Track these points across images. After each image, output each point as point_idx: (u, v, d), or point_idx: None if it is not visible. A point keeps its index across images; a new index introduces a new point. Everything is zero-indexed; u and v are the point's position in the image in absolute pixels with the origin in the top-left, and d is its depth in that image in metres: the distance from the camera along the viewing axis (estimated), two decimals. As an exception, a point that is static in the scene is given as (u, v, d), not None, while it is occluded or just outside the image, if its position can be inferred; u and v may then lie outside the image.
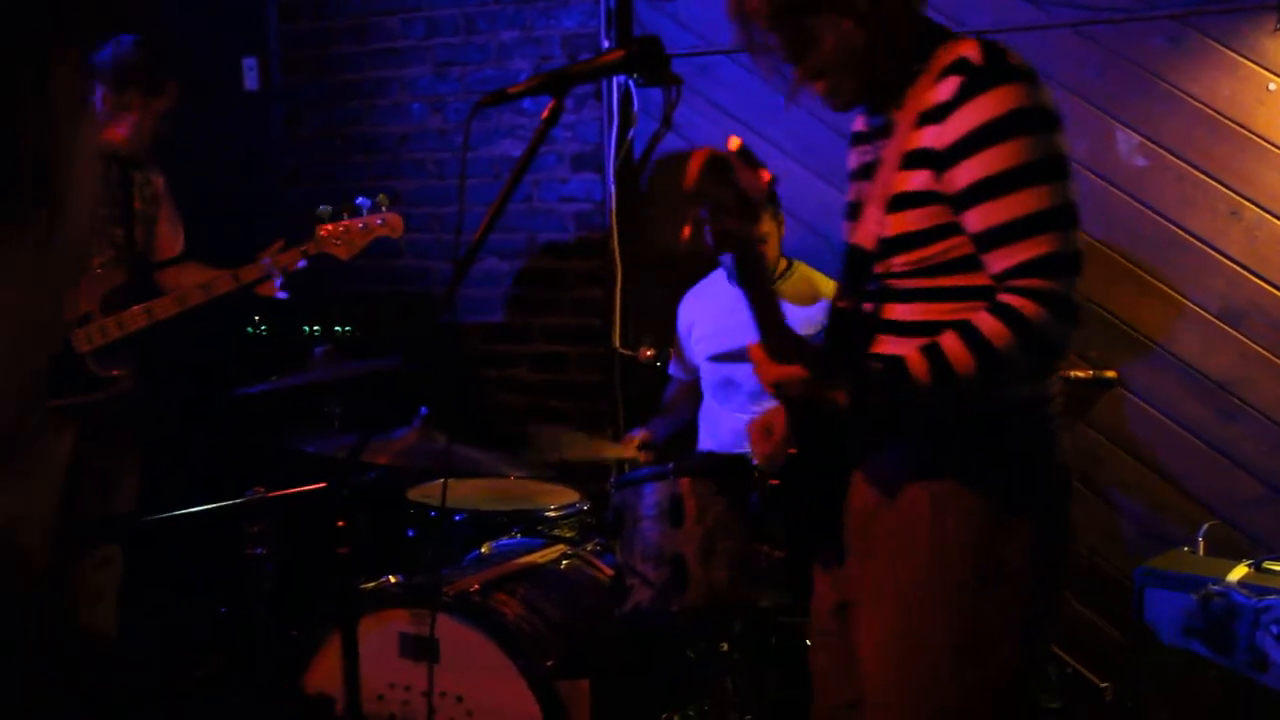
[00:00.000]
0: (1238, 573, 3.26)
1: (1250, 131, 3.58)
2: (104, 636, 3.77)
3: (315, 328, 4.44)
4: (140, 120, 3.55)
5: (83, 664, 3.74)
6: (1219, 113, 3.62)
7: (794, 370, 1.85)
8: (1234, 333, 3.66)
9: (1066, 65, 3.79)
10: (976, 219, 1.85)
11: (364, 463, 3.08)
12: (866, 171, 2.08)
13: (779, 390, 1.89)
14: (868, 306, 2.05)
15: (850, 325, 2.04)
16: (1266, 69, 3.55)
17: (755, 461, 2.04)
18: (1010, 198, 1.81)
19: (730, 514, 2.86)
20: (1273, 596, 3.12)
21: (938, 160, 1.87)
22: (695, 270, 4.04)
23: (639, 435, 3.81)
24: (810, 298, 3.67)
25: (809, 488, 2.03)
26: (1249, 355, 3.64)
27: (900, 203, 1.93)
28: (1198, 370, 3.70)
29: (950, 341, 1.82)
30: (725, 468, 2.94)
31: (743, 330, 3.12)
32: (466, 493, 3.69)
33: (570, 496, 3.67)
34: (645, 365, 4.20)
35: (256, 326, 4.51)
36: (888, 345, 1.99)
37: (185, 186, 3.92)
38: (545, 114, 1.90)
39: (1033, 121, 1.82)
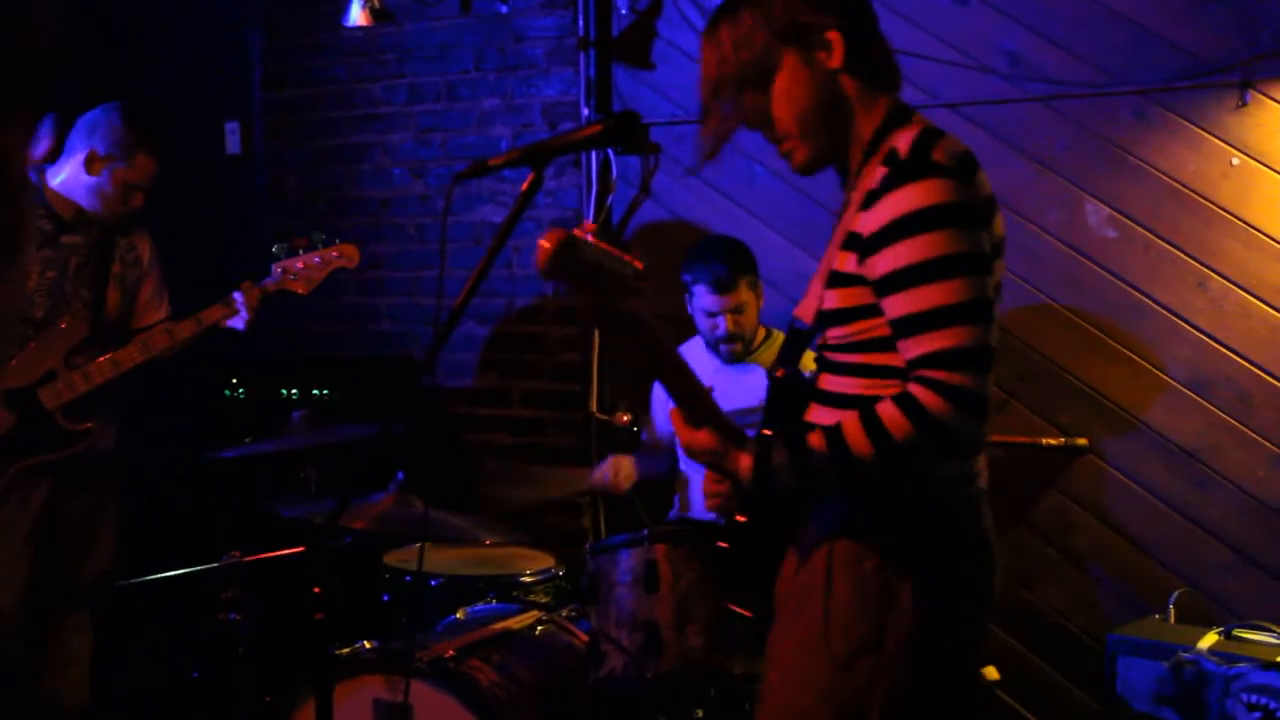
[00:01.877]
0: (1208, 640, 3.29)
1: (1215, 205, 3.66)
2: (76, 702, 3.75)
3: (293, 391, 4.47)
4: (107, 186, 3.57)
5: (54, 729, 3.72)
6: (1185, 186, 3.69)
7: (702, 436, 1.99)
8: (1202, 401, 3.71)
9: (1037, 138, 3.87)
10: (889, 307, 1.91)
11: (340, 527, 3.09)
12: (828, 243, 2.15)
13: (689, 453, 2.01)
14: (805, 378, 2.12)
15: (786, 393, 2.10)
16: (1230, 144, 3.63)
17: (706, 507, 2.11)
18: (919, 290, 1.86)
19: (704, 580, 2.88)
20: (1243, 664, 3.15)
21: (863, 246, 1.94)
22: (675, 338, 4.07)
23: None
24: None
25: (754, 552, 2.08)
26: (1217, 424, 3.69)
27: (835, 280, 2.00)
28: (1167, 438, 3.75)
29: (851, 426, 1.88)
30: (700, 535, 2.96)
31: (717, 398, 3.16)
32: (443, 558, 3.70)
33: (546, 562, 3.68)
34: (622, 430, 4.23)
35: (234, 390, 4.53)
36: (819, 414, 2.05)
37: (166, 248, 3.95)
38: (525, 186, 1.94)
39: (946, 217, 1.87)
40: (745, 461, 1.95)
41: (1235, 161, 3.63)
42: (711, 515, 3.66)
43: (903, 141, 1.93)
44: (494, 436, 4.78)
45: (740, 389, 3.50)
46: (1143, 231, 3.76)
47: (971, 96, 3.92)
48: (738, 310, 3.65)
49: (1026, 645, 3.95)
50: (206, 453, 3.61)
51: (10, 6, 1.11)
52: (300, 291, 3.69)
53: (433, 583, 3.54)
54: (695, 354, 3.93)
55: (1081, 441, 3.84)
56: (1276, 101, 3.56)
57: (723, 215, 4.32)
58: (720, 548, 2.03)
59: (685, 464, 3.86)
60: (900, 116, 2.04)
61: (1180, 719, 3.24)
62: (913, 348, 1.88)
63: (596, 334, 4.51)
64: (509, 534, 3.66)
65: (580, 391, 4.58)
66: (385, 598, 3.50)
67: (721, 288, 3.63)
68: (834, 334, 2.04)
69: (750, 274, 3.69)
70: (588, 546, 3.14)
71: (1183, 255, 3.71)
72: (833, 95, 2.04)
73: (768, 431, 1.95)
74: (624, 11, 4.45)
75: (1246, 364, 3.66)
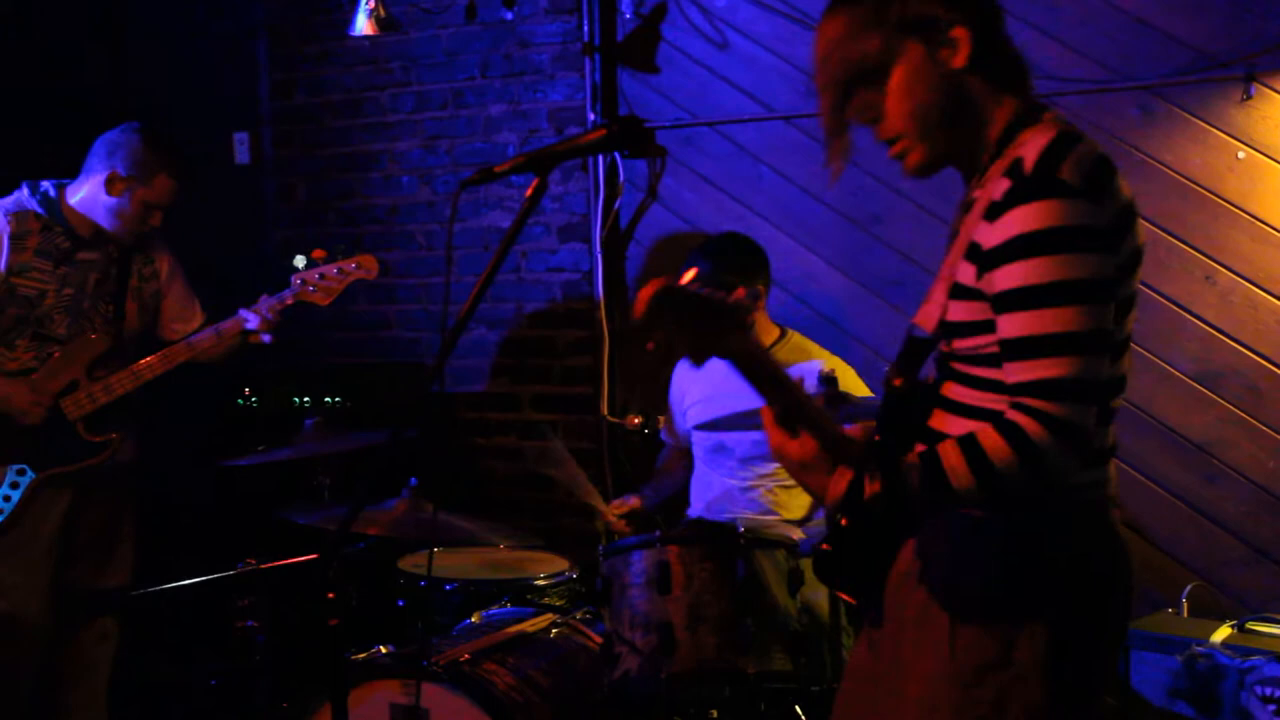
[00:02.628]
0: (1221, 634, 3.29)
1: (1221, 199, 3.66)
2: (95, 710, 3.78)
3: (305, 399, 4.49)
4: (127, 206, 3.59)
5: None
6: (1191, 180, 3.70)
7: (795, 447, 1.95)
8: (1211, 395, 3.71)
9: (1042, 135, 3.87)
10: (1002, 327, 1.84)
11: (354, 534, 3.11)
12: (950, 244, 2.05)
13: (776, 457, 1.98)
14: (929, 380, 2.04)
15: (904, 402, 2.00)
16: (1235, 138, 3.63)
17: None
18: (1031, 314, 1.79)
19: (717, 581, 2.89)
20: (1257, 657, 3.15)
21: (983, 259, 1.86)
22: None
23: (630, 502, 3.83)
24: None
25: (858, 555, 2.01)
26: (1227, 417, 3.70)
27: (958, 291, 1.93)
28: (1177, 432, 3.75)
29: (950, 453, 1.82)
30: (712, 535, 2.98)
31: (733, 398, 3.17)
32: (456, 562, 3.72)
33: (559, 565, 3.70)
34: (633, 433, 4.25)
35: (247, 398, 4.56)
36: (945, 422, 1.98)
37: (177, 258, 3.97)
38: (530, 191, 1.95)
39: (1067, 241, 1.78)
40: (835, 486, 1.90)
41: (1241, 155, 3.63)
42: (724, 516, 3.68)
43: (1030, 150, 1.83)
44: (505, 440, 4.79)
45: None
46: (1149, 226, 3.76)
47: (976, 94, 3.91)
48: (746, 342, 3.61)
49: (1040, 641, 3.95)
50: (220, 461, 3.64)
51: None
52: (321, 303, 3.72)
53: (447, 587, 3.55)
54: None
55: (1092, 437, 3.84)
56: (1281, 94, 3.57)
57: (730, 217, 4.33)
58: (823, 550, 1.98)
59: (706, 463, 3.86)
60: (1029, 116, 1.95)
61: (1195, 712, 3.24)
62: (1019, 372, 1.81)
63: (607, 337, 4.53)
64: (522, 538, 3.68)
65: (591, 395, 4.60)
66: (400, 603, 3.52)
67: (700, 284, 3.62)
68: (961, 345, 1.95)
69: (739, 274, 3.64)
70: (600, 549, 3.16)
71: (1190, 249, 3.72)
72: (955, 95, 1.94)
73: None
74: (628, 16, 4.47)
75: (1255, 357, 3.66)
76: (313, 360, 4.98)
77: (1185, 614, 3.50)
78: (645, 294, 1.79)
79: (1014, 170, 1.83)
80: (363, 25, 4.39)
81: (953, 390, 1.99)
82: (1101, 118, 3.80)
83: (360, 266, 3.74)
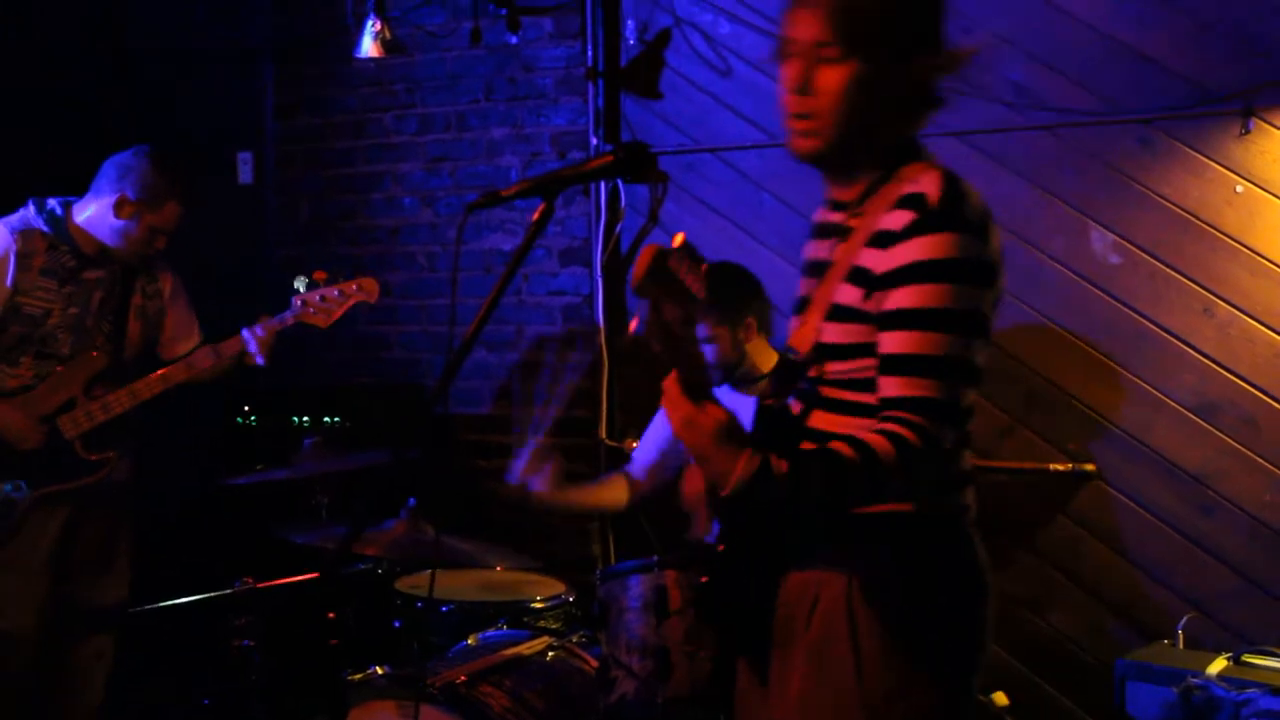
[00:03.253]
0: (1217, 665, 3.30)
1: (1220, 231, 3.68)
2: (89, 726, 3.78)
3: (305, 419, 4.50)
4: (134, 230, 3.60)
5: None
6: (1189, 213, 3.72)
7: (707, 417, 1.84)
8: (1208, 427, 3.73)
9: (1043, 166, 3.90)
10: (884, 342, 1.92)
11: (353, 554, 3.11)
12: (818, 269, 2.12)
13: (685, 428, 1.86)
14: (795, 408, 2.10)
15: (776, 425, 2.09)
16: (1233, 171, 3.66)
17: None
18: (916, 334, 1.88)
19: (714, 606, 2.89)
20: (1253, 690, 3.16)
21: (873, 283, 1.94)
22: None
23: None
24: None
25: (736, 586, 2.06)
26: (1223, 449, 3.71)
27: (836, 313, 2.00)
28: (1174, 463, 3.77)
29: (842, 446, 1.86)
30: (710, 559, 2.98)
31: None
32: (454, 583, 3.72)
33: (556, 587, 3.70)
34: (631, 456, 4.24)
35: (246, 417, 4.57)
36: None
37: (179, 274, 3.98)
38: (536, 216, 1.97)
39: (963, 273, 1.90)
40: (744, 465, 1.82)
41: (1239, 189, 3.66)
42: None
43: (929, 186, 1.93)
44: (505, 462, 4.78)
45: (744, 415, 3.51)
46: (1148, 258, 3.78)
47: (977, 125, 3.95)
48: (706, 342, 3.63)
49: (1035, 671, 3.95)
50: (219, 480, 3.64)
51: None
52: (320, 325, 3.73)
53: (444, 609, 3.55)
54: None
55: (1089, 467, 3.85)
56: (1278, 129, 3.59)
57: (731, 243, 4.35)
58: (701, 583, 2.01)
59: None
60: (912, 149, 2.05)
61: (1190, 744, 3.25)
62: (896, 387, 1.89)
63: (607, 361, 4.54)
64: (520, 560, 3.69)
65: (590, 418, 4.61)
66: (397, 624, 3.52)
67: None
68: (833, 368, 2.03)
69: (723, 308, 3.60)
70: (598, 573, 3.16)
71: (1188, 282, 3.74)
72: (880, 110, 2.01)
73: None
74: (632, 42, 4.50)
75: (1252, 389, 3.67)
76: (313, 380, 4.99)
77: (1181, 645, 3.51)
78: (645, 257, 1.79)
79: (915, 203, 1.92)
80: (368, 48, 4.42)
81: (820, 419, 2.05)
82: (1102, 149, 3.83)
83: (361, 289, 3.75)
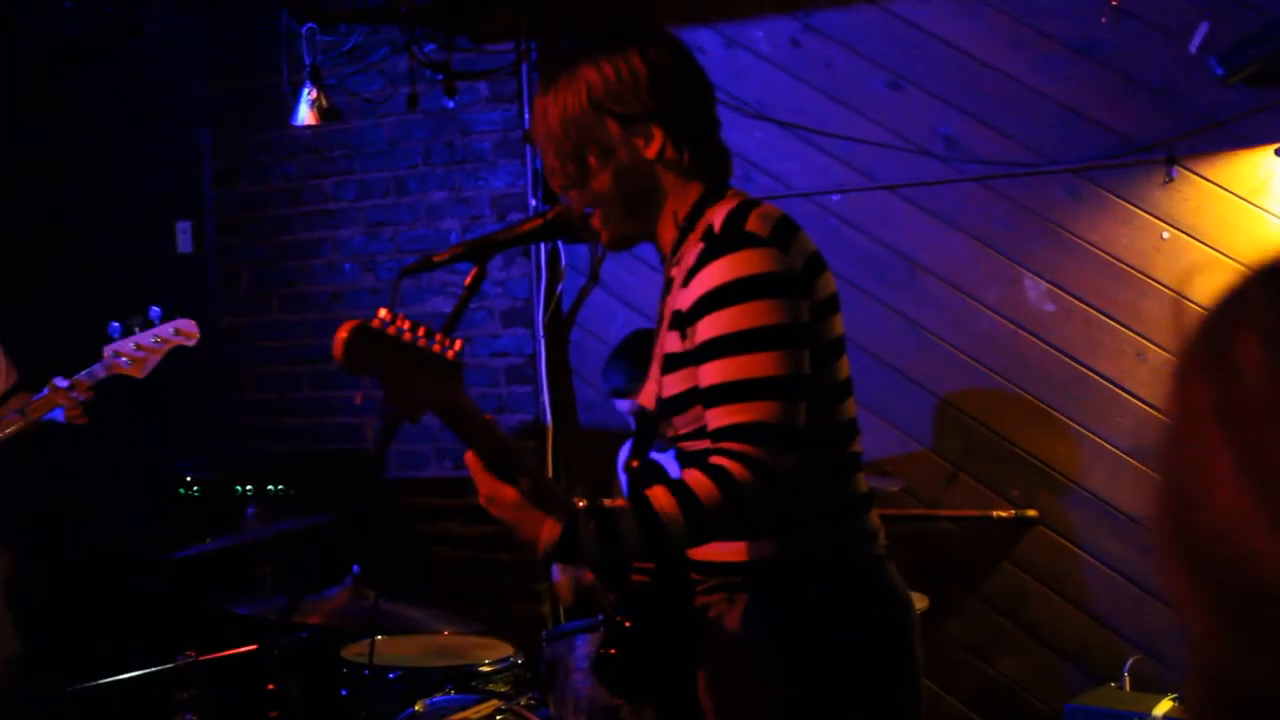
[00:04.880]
0: (1163, 707, 3.32)
1: (1149, 277, 3.76)
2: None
3: (248, 487, 4.46)
4: None
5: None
6: (1119, 260, 3.80)
7: (508, 491, 1.82)
8: (1147, 469, 3.78)
9: (975, 217, 3.97)
10: (701, 377, 1.89)
11: (296, 623, 3.08)
12: (658, 324, 2.12)
13: (489, 504, 1.85)
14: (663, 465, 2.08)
15: (642, 485, 2.01)
16: (1159, 218, 3.74)
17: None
18: (730, 360, 1.85)
19: (661, 664, 2.89)
20: (1197, 729, 3.18)
21: (683, 321, 1.93)
22: (627, 422, 4.12)
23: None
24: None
25: (645, 658, 2.01)
26: (1162, 491, 3.75)
27: (669, 363, 1.98)
28: (1114, 507, 3.81)
29: (659, 494, 1.82)
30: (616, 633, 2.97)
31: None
32: (400, 649, 3.68)
33: (504, 650, 3.67)
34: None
35: (189, 487, 4.52)
36: None
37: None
38: (468, 281, 1.97)
39: (762, 287, 1.86)
40: (550, 530, 1.80)
41: (1166, 235, 3.74)
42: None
43: (718, 215, 1.93)
44: (450, 526, 4.78)
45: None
46: (1081, 305, 3.85)
47: (910, 178, 4.02)
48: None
49: (985, 718, 3.96)
50: (160, 553, 3.59)
51: None
52: (136, 375, 3.51)
53: (390, 675, 3.51)
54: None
55: (1031, 513, 3.89)
56: (1200, 177, 3.68)
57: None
58: (607, 655, 1.96)
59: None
60: (715, 194, 2.04)
61: (1139, 787, 3.26)
62: (718, 418, 1.85)
63: (551, 421, 4.54)
64: (467, 624, 3.66)
65: (536, 478, 4.59)
66: (344, 692, 3.48)
67: (622, 394, 3.74)
68: (681, 422, 2.00)
69: (642, 378, 3.68)
70: (544, 634, 3.15)
71: (1121, 327, 3.80)
72: (644, 183, 2.03)
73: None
74: (569, 104, 4.54)
75: (1187, 431, 3.73)
76: (255, 447, 4.96)
77: (1128, 688, 3.53)
78: (340, 335, 1.61)
79: (706, 234, 1.92)
80: (305, 115, 4.43)
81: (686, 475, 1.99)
82: (1030, 200, 3.90)
83: (178, 333, 3.54)
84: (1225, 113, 3.62)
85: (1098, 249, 3.83)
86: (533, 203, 4.58)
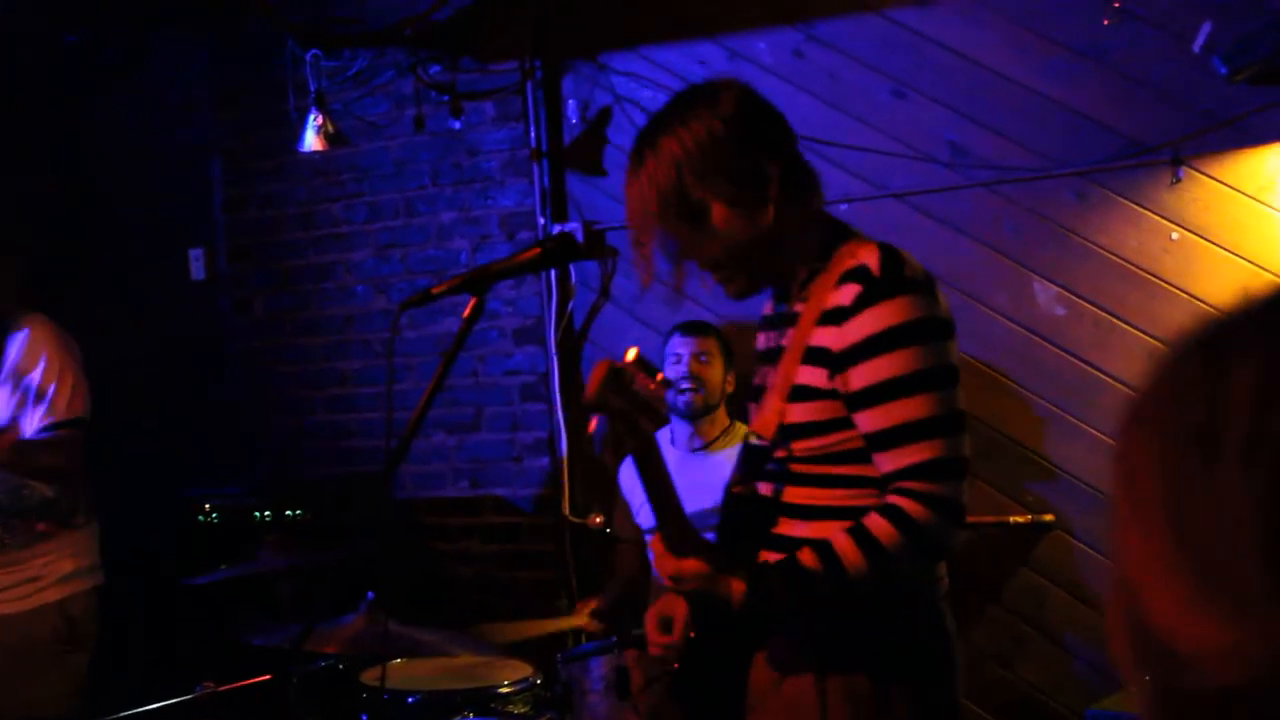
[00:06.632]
0: (1184, 711, 3.30)
1: (1159, 278, 3.74)
2: None
3: (266, 513, 4.48)
4: None
5: None
6: (1128, 261, 3.78)
7: (693, 564, 1.93)
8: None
9: (983, 223, 3.96)
10: (867, 421, 1.94)
11: (311, 652, 3.09)
12: (771, 357, 2.16)
13: (677, 583, 1.96)
14: (766, 490, 2.12)
15: (749, 509, 2.11)
16: (1168, 219, 3.72)
17: (653, 653, 2.11)
18: (898, 403, 1.91)
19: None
20: (1220, 733, 3.16)
21: (834, 361, 1.97)
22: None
23: (592, 603, 3.85)
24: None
25: (710, 671, 2.08)
26: (1179, 493, 3.73)
27: (799, 394, 2.02)
28: (1131, 510, 3.79)
29: (842, 541, 1.89)
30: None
31: (683, 500, 3.18)
32: (419, 672, 3.69)
33: (523, 671, 3.67)
34: (595, 532, 4.25)
35: (208, 515, 4.54)
36: (791, 528, 2.06)
37: (136, 375, 3.97)
38: (466, 313, 1.99)
39: (923, 332, 1.93)
40: (739, 588, 1.92)
41: (1175, 236, 3.72)
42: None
43: (870, 258, 1.96)
44: (468, 545, 4.79)
45: (703, 483, 3.53)
46: (1091, 308, 3.83)
47: (917, 186, 4.01)
48: (703, 356, 3.80)
49: (1009, 725, 3.95)
50: (179, 580, 3.61)
51: None
52: None
53: (410, 699, 3.52)
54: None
55: (1048, 517, 3.88)
56: (1208, 176, 3.67)
57: (683, 315, 4.36)
58: (673, 670, 2.03)
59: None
60: (841, 232, 2.08)
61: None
62: (893, 460, 1.92)
63: (566, 438, 4.54)
64: (485, 645, 3.66)
65: (552, 495, 4.60)
66: (364, 717, 3.49)
67: (690, 330, 3.86)
68: (802, 446, 2.04)
69: (723, 339, 3.85)
70: (559, 656, 3.15)
71: (1130, 329, 3.79)
72: (769, 226, 2.05)
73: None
74: (574, 121, 4.56)
75: (1202, 432, 3.71)
76: (272, 472, 4.98)
77: (1149, 692, 3.50)
78: (598, 371, 1.83)
79: (860, 276, 1.95)
80: (311, 142, 4.45)
81: (796, 494, 2.07)
82: (1039, 204, 3.89)
83: None
84: (1231, 111, 3.60)
85: (1107, 251, 3.81)
86: (541, 221, 4.59)
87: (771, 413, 2.08)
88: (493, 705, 3.56)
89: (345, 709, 3.50)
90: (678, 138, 2.00)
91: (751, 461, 2.15)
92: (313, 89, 4.50)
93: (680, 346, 3.84)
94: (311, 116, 4.43)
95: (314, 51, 4.51)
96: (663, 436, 3.95)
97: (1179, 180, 3.68)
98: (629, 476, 4.05)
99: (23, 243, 3.69)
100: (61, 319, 3.76)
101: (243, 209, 5.16)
